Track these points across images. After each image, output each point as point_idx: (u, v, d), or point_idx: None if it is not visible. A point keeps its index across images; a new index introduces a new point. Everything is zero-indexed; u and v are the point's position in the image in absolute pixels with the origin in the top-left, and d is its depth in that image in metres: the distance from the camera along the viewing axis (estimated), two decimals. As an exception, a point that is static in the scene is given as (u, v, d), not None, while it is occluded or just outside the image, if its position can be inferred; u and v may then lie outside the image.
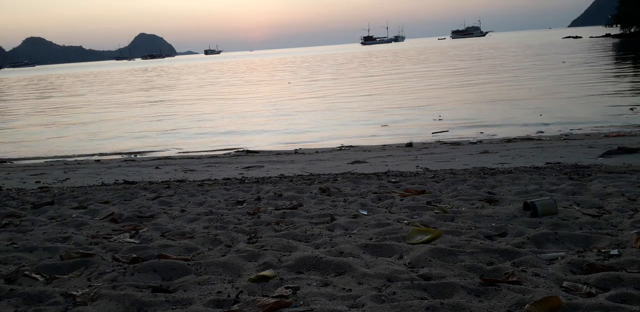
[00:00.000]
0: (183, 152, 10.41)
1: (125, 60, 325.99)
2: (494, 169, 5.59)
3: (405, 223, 3.20)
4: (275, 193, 4.60)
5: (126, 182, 6.43)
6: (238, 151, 9.94)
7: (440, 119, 12.20)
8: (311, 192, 4.58)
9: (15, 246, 3.06)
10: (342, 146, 9.72)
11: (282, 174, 6.28)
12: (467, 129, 10.73)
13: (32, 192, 5.64)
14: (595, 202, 3.53)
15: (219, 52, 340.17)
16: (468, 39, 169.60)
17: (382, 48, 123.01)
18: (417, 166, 6.34)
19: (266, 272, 2.38)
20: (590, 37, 77.47)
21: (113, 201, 4.70)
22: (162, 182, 6.19)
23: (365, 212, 3.62)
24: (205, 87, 30.74)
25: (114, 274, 2.48)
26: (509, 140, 8.87)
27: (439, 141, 9.52)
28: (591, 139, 8.25)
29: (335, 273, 2.39)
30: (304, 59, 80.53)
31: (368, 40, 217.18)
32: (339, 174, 5.86)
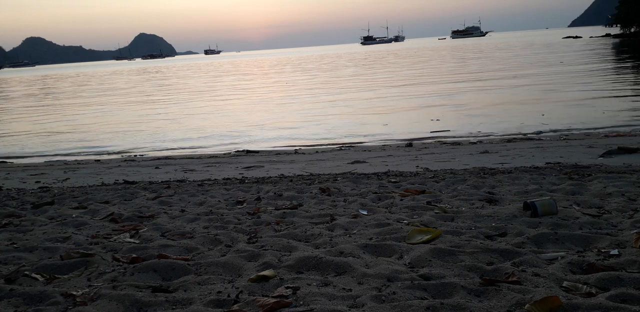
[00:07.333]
0: (183, 152, 10.41)
1: (126, 60, 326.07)
2: (494, 169, 5.59)
3: (405, 223, 3.19)
4: (275, 193, 4.60)
5: (126, 182, 6.43)
6: (238, 151, 9.94)
7: (439, 120, 12.20)
8: (311, 192, 4.58)
9: (15, 246, 3.06)
10: (342, 146, 9.72)
11: (282, 174, 6.28)
12: (467, 129, 10.73)
13: (32, 192, 5.64)
14: (595, 202, 3.52)
15: (218, 52, 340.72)
16: (468, 39, 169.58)
17: (382, 48, 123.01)
18: (417, 166, 6.34)
19: (266, 272, 2.37)
20: (590, 37, 77.49)
21: (113, 201, 4.70)
22: (162, 182, 6.19)
23: (365, 212, 3.62)
24: (205, 86, 30.76)
25: (114, 274, 2.48)
26: (509, 141, 8.87)
27: (439, 141, 9.52)
28: (591, 139, 8.25)
29: (335, 273, 2.39)
30: (302, 58, 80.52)
31: (368, 40, 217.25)
32: (339, 174, 5.86)
